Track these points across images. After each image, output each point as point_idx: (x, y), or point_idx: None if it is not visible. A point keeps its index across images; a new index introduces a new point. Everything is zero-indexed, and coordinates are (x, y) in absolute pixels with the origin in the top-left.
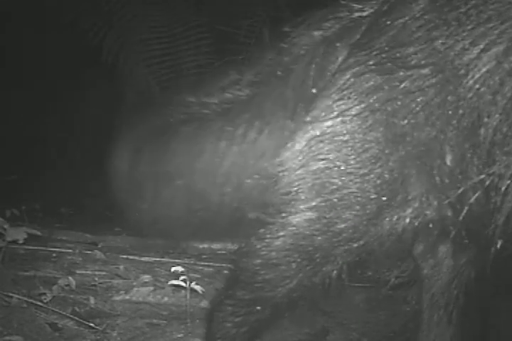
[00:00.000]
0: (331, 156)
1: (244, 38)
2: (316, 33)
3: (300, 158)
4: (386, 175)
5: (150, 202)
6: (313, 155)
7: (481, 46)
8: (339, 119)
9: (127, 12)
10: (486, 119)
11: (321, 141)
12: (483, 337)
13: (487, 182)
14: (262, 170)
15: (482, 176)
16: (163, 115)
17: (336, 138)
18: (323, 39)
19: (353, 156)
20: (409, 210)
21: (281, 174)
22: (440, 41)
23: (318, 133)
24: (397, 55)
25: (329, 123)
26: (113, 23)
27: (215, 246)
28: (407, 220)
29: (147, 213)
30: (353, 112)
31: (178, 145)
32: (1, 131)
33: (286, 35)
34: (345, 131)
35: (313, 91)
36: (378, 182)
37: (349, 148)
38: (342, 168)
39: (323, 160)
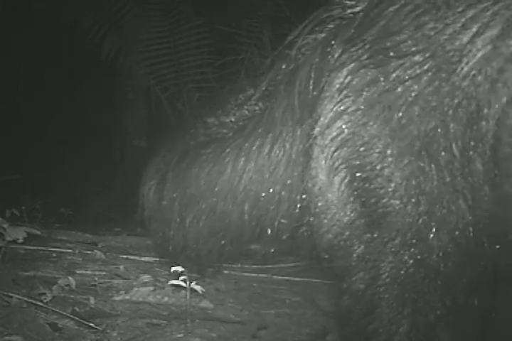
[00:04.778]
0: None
1: (245, 37)
2: (314, 35)
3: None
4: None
5: (176, 228)
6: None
7: (474, 30)
8: (341, 118)
9: (127, 12)
10: (485, 110)
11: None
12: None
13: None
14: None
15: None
16: (186, 140)
17: (339, 138)
18: (320, 40)
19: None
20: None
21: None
22: (429, 26)
23: (319, 132)
24: (388, 44)
25: (330, 123)
26: (113, 23)
27: None
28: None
29: (174, 240)
30: (352, 109)
31: (200, 168)
32: (1, 132)
33: (289, 42)
34: (346, 131)
35: (314, 93)
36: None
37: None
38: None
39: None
